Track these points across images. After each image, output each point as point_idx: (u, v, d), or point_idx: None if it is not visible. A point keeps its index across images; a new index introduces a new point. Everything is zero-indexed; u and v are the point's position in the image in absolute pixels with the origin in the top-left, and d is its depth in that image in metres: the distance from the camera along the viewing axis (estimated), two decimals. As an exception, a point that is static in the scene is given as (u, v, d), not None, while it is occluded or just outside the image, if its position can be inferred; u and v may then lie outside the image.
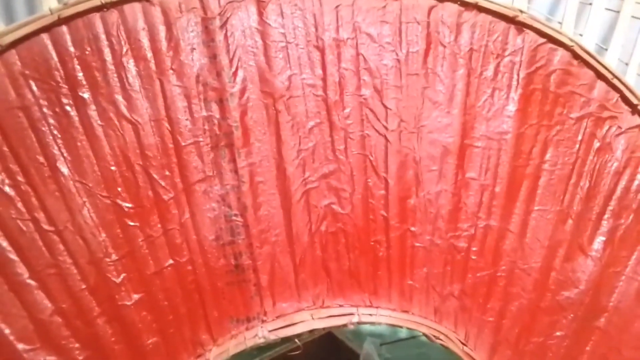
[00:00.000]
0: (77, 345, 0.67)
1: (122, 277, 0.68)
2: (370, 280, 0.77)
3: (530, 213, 0.81)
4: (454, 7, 0.78)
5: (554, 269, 0.81)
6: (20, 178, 0.64)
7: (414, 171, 0.77)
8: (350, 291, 0.76)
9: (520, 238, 0.80)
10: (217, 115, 0.71)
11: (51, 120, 0.65)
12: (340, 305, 0.76)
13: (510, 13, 0.80)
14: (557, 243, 0.82)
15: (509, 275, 0.80)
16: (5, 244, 0.63)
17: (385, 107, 0.76)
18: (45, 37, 0.65)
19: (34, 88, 0.65)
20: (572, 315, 0.82)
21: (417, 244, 0.77)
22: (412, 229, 0.77)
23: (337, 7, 0.75)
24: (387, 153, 0.76)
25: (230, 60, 0.72)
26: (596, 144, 0.83)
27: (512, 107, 0.80)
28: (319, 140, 0.75)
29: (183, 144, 0.70)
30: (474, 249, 0.79)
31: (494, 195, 0.79)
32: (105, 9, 0.67)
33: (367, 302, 0.77)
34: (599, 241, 0.83)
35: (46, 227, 0.65)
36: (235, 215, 0.72)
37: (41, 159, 0.65)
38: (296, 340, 0.76)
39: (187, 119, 0.70)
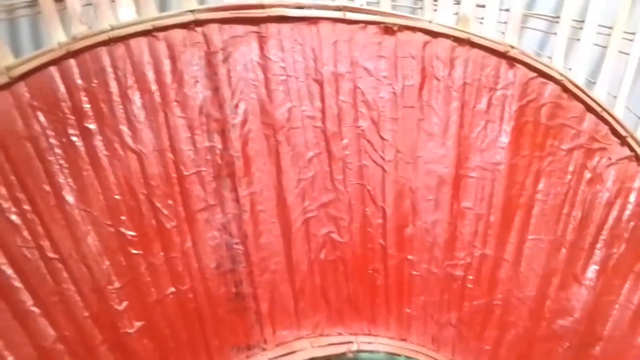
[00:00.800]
0: (78, 373, 0.69)
1: (124, 304, 0.70)
2: (369, 309, 0.79)
3: (525, 242, 0.84)
4: (447, 43, 0.84)
5: (549, 297, 0.85)
6: (26, 206, 0.67)
7: (410, 201, 0.81)
8: (349, 319, 0.79)
9: (515, 267, 0.84)
10: (220, 146, 0.75)
11: (58, 150, 0.69)
12: (340, 334, 0.78)
13: (501, 48, 0.85)
14: (551, 272, 0.85)
15: (505, 304, 0.83)
16: (10, 271, 0.66)
17: (382, 138, 0.80)
18: (53, 69, 0.70)
19: (42, 119, 0.68)
20: (567, 343, 0.85)
21: (415, 273, 0.81)
22: (410, 257, 0.81)
23: (335, 42, 0.80)
24: (385, 183, 0.80)
25: (232, 93, 0.76)
26: (587, 175, 0.88)
27: (504, 139, 0.85)
28: (318, 170, 0.78)
29: (186, 173, 0.73)
30: (470, 277, 0.82)
31: (488, 224, 0.83)
32: (112, 43, 0.72)
33: (366, 330, 0.79)
34: (592, 270, 0.86)
35: (51, 255, 0.67)
36: (236, 243, 0.75)
37: (47, 188, 0.68)
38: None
39: (190, 150, 0.74)
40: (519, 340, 0.84)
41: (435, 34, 0.83)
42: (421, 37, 0.83)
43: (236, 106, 0.76)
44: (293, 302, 0.77)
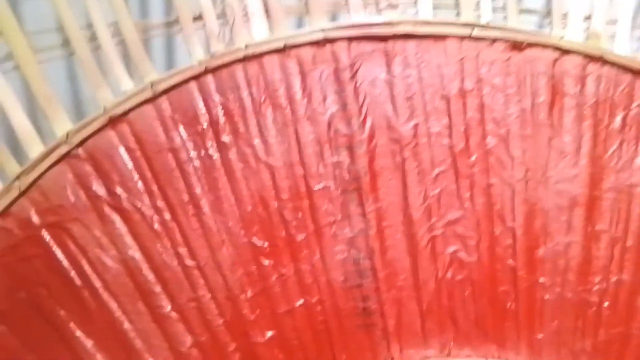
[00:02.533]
0: (212, 379, 0.74)
1: (256, 314, 0.75)
2: (498, 332, 0.80)
3: (665, 269, 0.84)
4: (579, 60, 0.85)
5: (691, 330, 0.83)
6: (167, 215, 0.74)
7: (541, 221, 0.82)
8: (477, 342, 0.80)
9: (655, 295, 0.83)
10: (347, 161, 0.80)
11: (196, 162, 0.76)
12: (468, 356, 0.80)
13: (636, 66, 0.85)
14: (694, 303, 0.83)
15: (644, 334, 0.82)
16: (151, 276, 0.73)
17: (511, 156, 0.83)
18: (192, 85, 0.77)
19: (182, 132, 0.76)
20: None
21: (547, 297, 0.81)
22: (541, 280, 0.81)
23: (462, 59, 0.83)
24: (514, 202, 0.82)
25: (360, 109, 0.81)
26: None
27: (641, 160, 0.85)
28: (444, 187, 0.81)
29: (314, 187, 0.78)
30: (606, 303, 0.81)
31: (625, 248, 0.82)
32: (246, 61, 0.79)
33: (495, 354, 0.80)
34: None
35: (188, 262, 0.74)
36: (363, 258, 0.79)
37: (186, 197, 0.75)
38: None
39: (318, 164, 0.79)
40: (659, 375, 0.83)
41: (565, 51, 0.84)
42: (551, 54, 0.85)
43: (363, 122, 0.81)
44: (420, 321, 0.80)
